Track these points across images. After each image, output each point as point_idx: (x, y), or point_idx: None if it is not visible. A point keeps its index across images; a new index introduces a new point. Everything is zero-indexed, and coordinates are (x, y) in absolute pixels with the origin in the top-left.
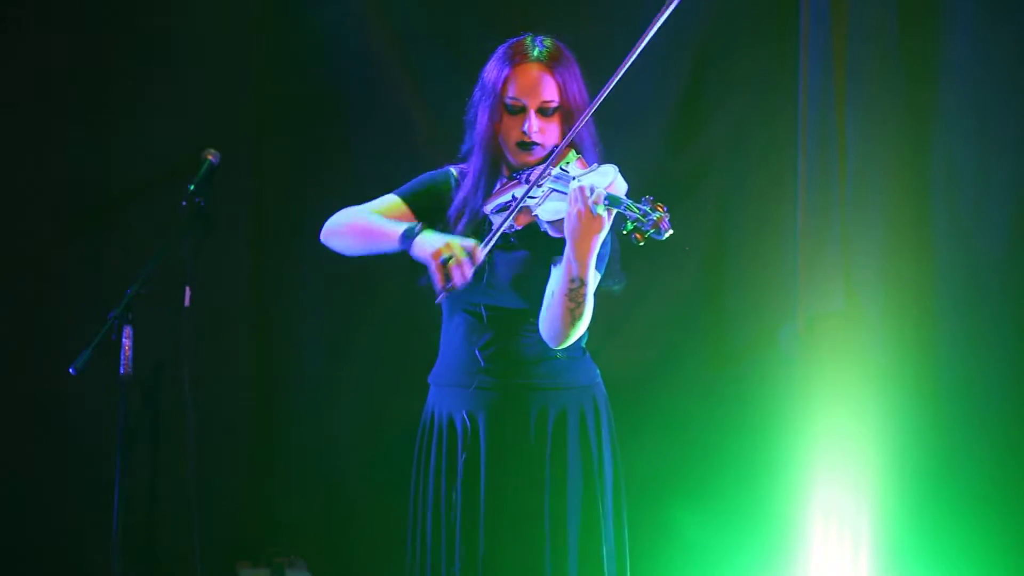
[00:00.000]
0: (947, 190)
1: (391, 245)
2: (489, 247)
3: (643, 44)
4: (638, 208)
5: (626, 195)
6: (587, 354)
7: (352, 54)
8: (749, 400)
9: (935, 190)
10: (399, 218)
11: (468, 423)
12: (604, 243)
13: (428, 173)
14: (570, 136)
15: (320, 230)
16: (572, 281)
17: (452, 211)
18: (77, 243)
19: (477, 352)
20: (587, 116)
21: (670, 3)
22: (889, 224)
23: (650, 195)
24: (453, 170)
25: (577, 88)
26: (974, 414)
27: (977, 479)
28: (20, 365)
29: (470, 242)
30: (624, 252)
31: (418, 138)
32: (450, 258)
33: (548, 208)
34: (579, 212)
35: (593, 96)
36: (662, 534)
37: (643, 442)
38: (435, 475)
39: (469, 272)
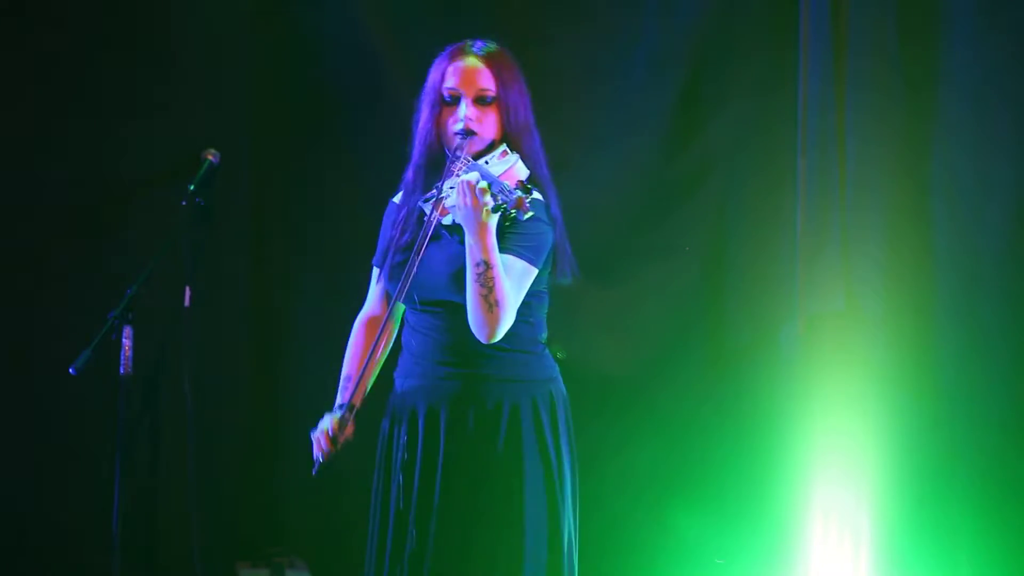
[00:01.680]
0: (946, 191)
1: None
2: (446, 193)
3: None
4: (508, 190)
5: (523, 181)
6: (546, 349)
7: (352, 54)
8: (749, 400)
9: (935, 191)
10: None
11: (427, 414)
12: (537, 235)
13: (383, 223)
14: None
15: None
16: (477, 265)
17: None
18: (77, 243)
19: (427, 344)
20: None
21: None
22: (889, 225)
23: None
24: (395, 199)
25: (516, 87)
26: (974, 414)
27: (977, 479)
28: (20, 365)
29: (331, 416)
30: (624, 253)
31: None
32: (313, 430)
33: (452, 198)
34: (465, 203)
35: (544, 96)
36: (662, 534)
37: (643, 442)
38: (396, 465)
39: (324, 443)
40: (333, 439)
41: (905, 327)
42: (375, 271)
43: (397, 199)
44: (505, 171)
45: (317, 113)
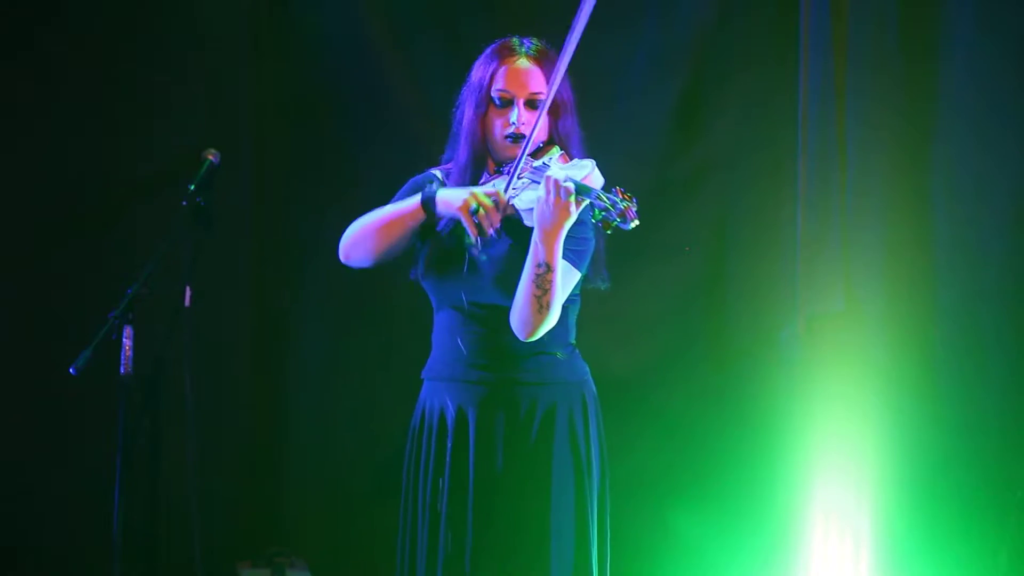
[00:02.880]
0: (945, 194)
1: (414, 220)
2: (511, 193)
3: (580, 31)
4: (607, 197)
5: (601, 188)
6: (576, 351)
7: (352, 54)
8: (750, 401)
9: (933, 194)
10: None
11: (457, 416)
12: (585, 240)
13: (412, 178)
14: (538, 117)
15: (340, 244)
16: (539, 267)
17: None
18: (77, 243)
19: (462, 345)
20: (547, 104)
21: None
22: (889, 226)
23: (621, 186)
24: (437, 172)
25: (564, 86)
26: (974, 414)
27: (977, 479)
28: (20, 365)
29: (492, 190)
30: (625, 253)
31: (418, 138)
32: (478, 208)
33: (524, 198)
34: (547, 199)
35: (577, 94)
36: (663, 534)
37: (644, 443)
38: (424, 469)
39: (497, 219)
40: (497, 205)
41: (905, 327)
42: None
43: (438, 173)
44: (585, 177)
45: (317, 113)
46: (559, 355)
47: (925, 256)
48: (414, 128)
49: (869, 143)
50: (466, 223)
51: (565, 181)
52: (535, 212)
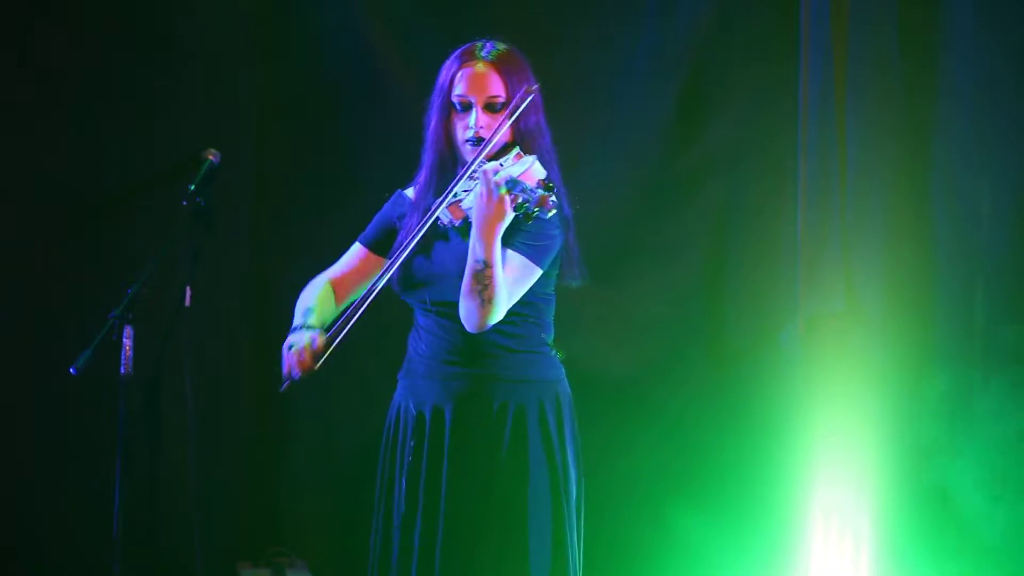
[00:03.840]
0: (945, 194)
1: None
2: (337, 331)
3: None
4: (529, 188)
5: (544, 180)
6: (552, 350)
7: (352, 54)
8: (750, 401)
9: (934, 194)
10: (361, 264)
11: (432, 413)
12: (546, 236)
13: (384, 205)
14: (499, 127)
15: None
16: (476, 262)
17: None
18: (77, 243)
19: (434, 343)
20: (515, 113)
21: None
22: (889, 226)
23: (549, 179)
24: (407, 192)
25: (526, 88)
26: (974, 414)
27: (977, 479)
28: (20, 365)
29: (316, 332)
30: (625, 253)
31: (418, 138)
32: (292, 346)
33: (471, 199)
34: (480, 193)
35: (545, 99)
36: (663, 534)
37: (644, 443)
38: (400, 466)
39: (307, 358)
40: (316, 356)
41: (905, 327)
42: (356, 246)
43: (409, 192)
44: (523, 172)
45: (317, 113)
46: (534, 353)
47: (925, 256)
48: (414, 128)
49: (869, 141)
50: (283, 359)
51: (496, 175)
52: (473, 210)
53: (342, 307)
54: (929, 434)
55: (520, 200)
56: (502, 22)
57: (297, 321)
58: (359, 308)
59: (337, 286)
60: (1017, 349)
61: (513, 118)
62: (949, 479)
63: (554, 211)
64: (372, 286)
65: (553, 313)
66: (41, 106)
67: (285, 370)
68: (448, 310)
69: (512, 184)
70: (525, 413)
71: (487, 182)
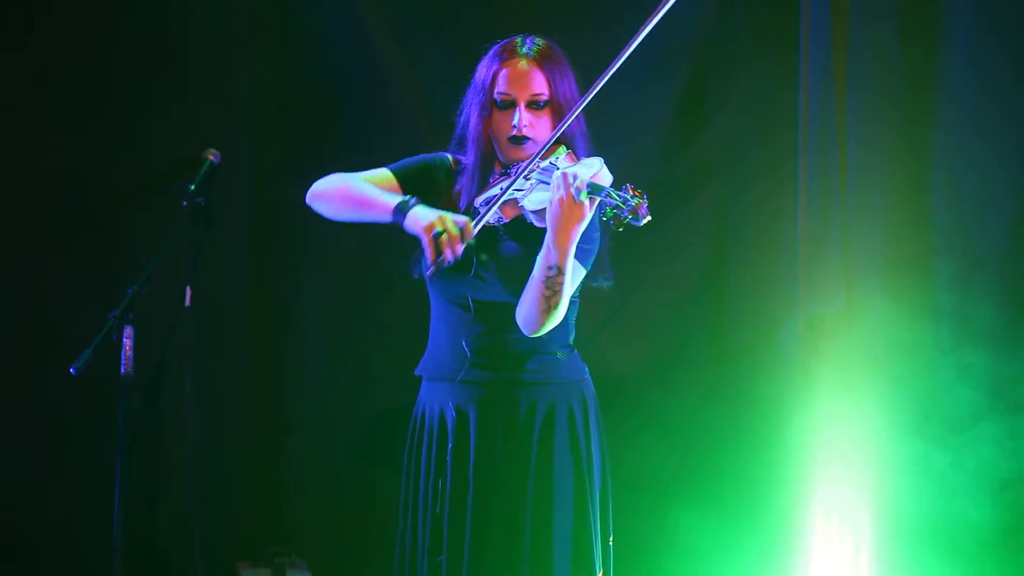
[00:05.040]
0: (946, 192)
1: (382, 216)
2: (480, 226)
3: (636, 43)
4: (618, 195)
5: (610, 186)
6: (575, 351)
7: (352, 54)
8: (750, 399)
9: (935, 192)
10: (390, 191)
11: (457, 416)
12: (592, 239)
13: (423, 155)
14: (561, 128)
15: (308, 192)
16: (550, 269)
17: (445, 202)
18: (77, 243)
19: (464, 344)
20: (578, 109)
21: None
22: (889, 225)
23: (631, 183)
24: (449, 156)
25: (567, 85)
26: (974, 413)
27: (977, 477)
28: (20, 365)
29: (462, 218)
30: (625, 252)
31: (418, 138)
32: (442, 233)
33: (534, 198)
34: (560, 199)
35: (584, 93)
36: (663, 533)
37: (644, 442)
38: (425, 468)
39: (459, 248)
40: (468, 234)
41: (905, 327)
42: (385, 171)
43: (450, 157)
44: (594, 175)
45: (318, 113)
46: (559, 355)
47: (925, 255)
48: (414, 127)
49: (870, 137)
50: (426, 244)
51: (576, 181)
52: (548, 213)
53: None
54: (929, 433)
55: (609, 208)
56: (502, 22)
57: (393, 199)
58: (502, 196)
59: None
60: (1018, 347)
61: (570, 119)
62: (949, 478)
63: (649, 218)
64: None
65: (577, 313)
66: (41, 106)
67: (433, 256)
68: (486, 311)
69: (595, 189)
70: (554, 415)
71: (567, 186)
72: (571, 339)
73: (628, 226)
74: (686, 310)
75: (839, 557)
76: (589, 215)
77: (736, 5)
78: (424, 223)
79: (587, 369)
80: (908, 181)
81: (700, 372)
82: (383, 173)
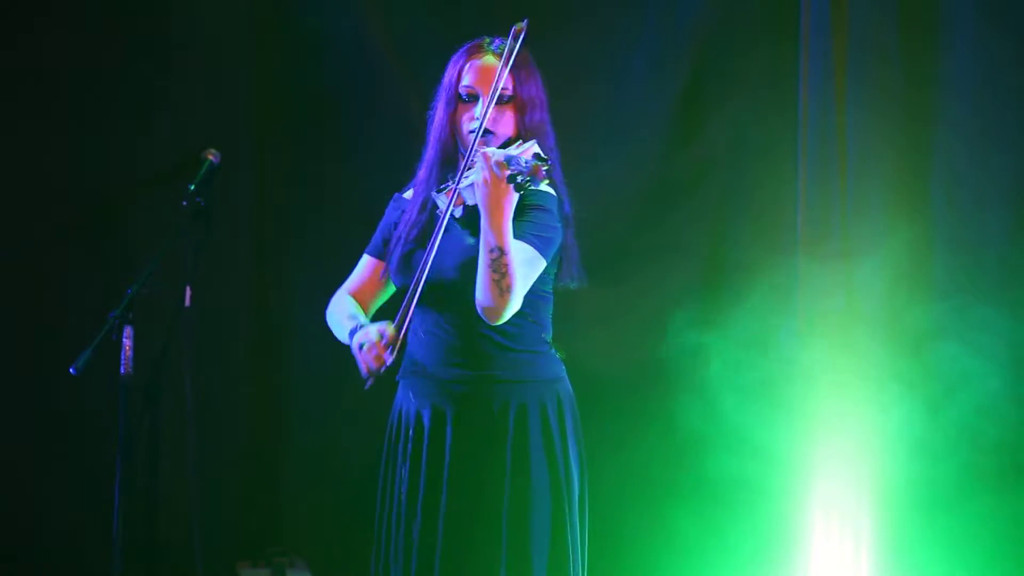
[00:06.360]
0: (947, 189)
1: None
2: (402, 317)
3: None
4: (524, 161)
5: (537, 152)
6: (552, 349)
7: (352, 54)
8: (750, 399)
9: (935, 188)
10: (373, 275)
11: (433, 415)
12: (549, 228)
13: (385, 214)
14: (499, 77)
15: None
16: (492, 251)
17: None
18: (77, 243)
19: (435, 342)
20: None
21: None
22: (889, 222)
23: (543, 153)
24: (405, 194)
25: (533, 84)
26: (974, 412)
27: (977, 476)
28: (20, 365)
29: (383, 324)
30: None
31: (418, 138)
32: (363, 344)
33: (466, 182)
34: (485, 179)
35: (550, 96)
36: (662, 533)
37: (642, 441)
38: (400, 469)
39: (383, 353)
40: (390, 345)
41: (905, 326)
42: (365, 258)
43: (407, 195)
44: (520, 152)
45: (317, 113)
46: (533, 353)
47: (925, 253)
48: (414, 127)
49: (870, 132)
50: (358, 360)
51: (494, 157)
52: (477, 196)
53: (371, 313)
54: (928, 431)
55: (514, 170)
56: (502, 22)
57: (348, 325)
58: (415, 295)
59: (357, 298)
60: (1018, 346)
61: (510, 63)
62: (950, 477)
63: (547, 180)
64: (420, 270)
65: (551, 312)
66: (41, 106)
67: (364, 369)
68: (447, 305)
69: (508, 160)
70: (526, 413)
71: (487, 164)
72: (547, 337)
73: (529, 189)
74: (684, 308)
75: (839, 556)
76: (513, 190)
77: (736, 1)
78: (351, 342)
79: (564, 369)
80: (908, 176)
81: (700, 371)
82: (362, 263)
